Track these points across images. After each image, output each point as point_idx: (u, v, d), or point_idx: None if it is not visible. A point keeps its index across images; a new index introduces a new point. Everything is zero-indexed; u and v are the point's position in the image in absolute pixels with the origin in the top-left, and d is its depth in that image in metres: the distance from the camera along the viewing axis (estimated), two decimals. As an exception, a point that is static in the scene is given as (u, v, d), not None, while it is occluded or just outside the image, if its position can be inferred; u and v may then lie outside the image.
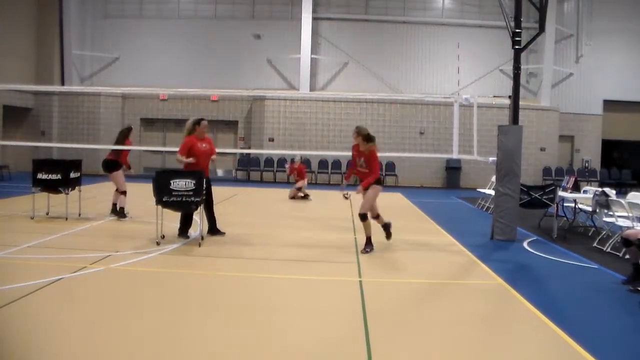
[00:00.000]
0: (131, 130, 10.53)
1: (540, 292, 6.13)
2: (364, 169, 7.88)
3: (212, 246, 7.92)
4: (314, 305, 5.37)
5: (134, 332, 4.43)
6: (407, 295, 5.86)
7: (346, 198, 16.87)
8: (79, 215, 9.97)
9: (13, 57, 20.68)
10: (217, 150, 8.91)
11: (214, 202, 8.78)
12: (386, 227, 8.39)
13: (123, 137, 10.33)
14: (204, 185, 7.97)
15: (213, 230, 8.68)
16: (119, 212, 10.12)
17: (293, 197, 14.89)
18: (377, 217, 8.21)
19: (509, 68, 17.26)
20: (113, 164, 10.16)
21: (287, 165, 16.58)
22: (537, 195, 10.08)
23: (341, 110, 21.58)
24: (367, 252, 7.78)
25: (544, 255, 8.12)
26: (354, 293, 5.69)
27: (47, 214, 9.90)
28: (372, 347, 4.19)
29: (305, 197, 14.83)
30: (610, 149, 24.16)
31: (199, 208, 7.94)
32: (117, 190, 10.30)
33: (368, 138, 7.73)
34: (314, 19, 22.26)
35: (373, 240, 7.96)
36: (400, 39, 22.80)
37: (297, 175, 15.10)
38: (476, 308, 5.44)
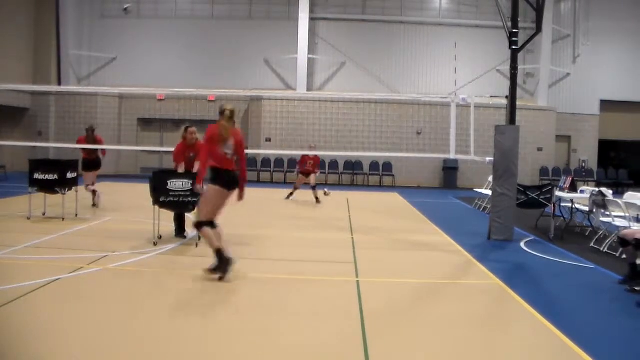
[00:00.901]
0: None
1: (537, 292, 6.15)
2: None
3: (209, 247, 7.89)
4: (311, 305, 5.37)
5: (132, 332, 4.42)
6: (404, 295, 5.86)
7: (326, 194, 16.74)
8: (76, 215, 9.96)
9: (10, 57, 20.62)
10: None
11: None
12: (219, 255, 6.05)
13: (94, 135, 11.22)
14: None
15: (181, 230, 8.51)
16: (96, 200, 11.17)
17: (296, 189, 14.45)
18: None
19: (506, 68, 17.37)
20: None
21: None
22: (534, 195, 10.10)
23: (338, 110, 21.59)
24: (218, 271, 5.99)
25: (541, 255, 8.14)
26: (351, 293, 5.69)
27: (44, 214, 9.88)
28: (369, 348, 4.19)
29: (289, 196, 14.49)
30: (607, 149, 24.20)
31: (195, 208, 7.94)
32: (89, 186, 11.20)
33: (221, 113, 6.31)
34: (311, 19, 22.28)
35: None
36: (398, 39, 22.82)
37: (312, 167, 14.04)
38: (473, 308, 5.45)
